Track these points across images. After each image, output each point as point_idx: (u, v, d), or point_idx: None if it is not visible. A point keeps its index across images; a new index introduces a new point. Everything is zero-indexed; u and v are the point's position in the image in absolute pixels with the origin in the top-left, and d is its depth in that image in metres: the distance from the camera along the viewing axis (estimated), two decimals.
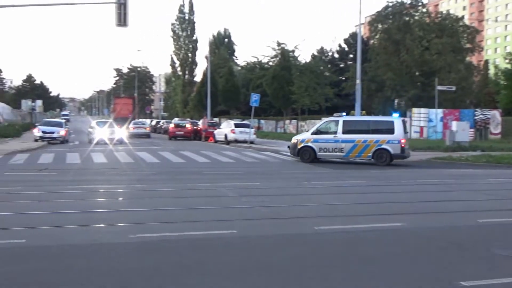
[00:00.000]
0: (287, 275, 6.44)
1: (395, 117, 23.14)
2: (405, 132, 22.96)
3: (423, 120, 43.64)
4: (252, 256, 7.29)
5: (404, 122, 23.37)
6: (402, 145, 22.37)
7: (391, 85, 53.67)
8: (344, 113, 25.80)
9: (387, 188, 14.91)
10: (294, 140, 24.39)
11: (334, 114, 24.95)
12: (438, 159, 24.57)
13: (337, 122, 23.15)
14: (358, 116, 28.98)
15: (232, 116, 66.96)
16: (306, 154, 23.37)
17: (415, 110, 44.75)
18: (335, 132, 22.96)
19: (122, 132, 37.95)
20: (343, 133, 22.82)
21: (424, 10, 57.55)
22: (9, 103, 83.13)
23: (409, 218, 9.96)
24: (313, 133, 23.64)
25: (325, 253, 7.48)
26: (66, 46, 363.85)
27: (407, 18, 54.85)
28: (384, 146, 22.42)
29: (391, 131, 22.51)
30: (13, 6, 26.35)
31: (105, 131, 36.65)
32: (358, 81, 29.63)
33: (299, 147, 23.58)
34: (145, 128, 50.13)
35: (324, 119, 25.47)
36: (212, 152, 28.28)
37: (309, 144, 23.34)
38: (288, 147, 25.27)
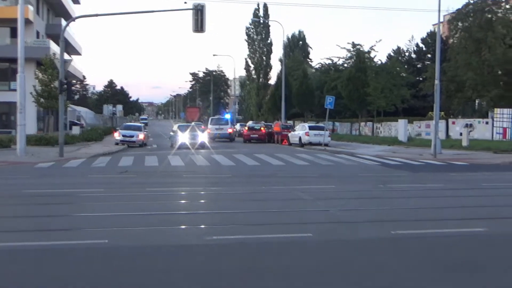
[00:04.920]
0: (365, 279, 6.36)
1: None
2: None
3: (506, 120, 41.90)
4: (329, 260, 7.23)
5: None
6: None
7: (472, 85, 51.80)
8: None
9: (467, 192, 14.40)
10: None
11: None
12: None
13: None
14: None
15: (306, 119, 66.86)
16: None
17: (497, 110, 43.03)
18: None
19: (204, 136, 37.89)
20: None
21: (508, 6, 55.24)
22: (91, 108, 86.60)
23: (492, 223, 9.61)
24: None
25: (404, 258, 7.31)
26: (145, 52, 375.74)
27: (489, 16, 52.82)
28: None
29: None
30: (97, 15, 27.46)
31: (187, 135, 36.69)
32: (437, 82, 28.78)
33: None
34: (228, 130, 49.43)
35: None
36: (286, 154, 28.34)
37: None
38: None
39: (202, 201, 12.63)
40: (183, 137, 36.21)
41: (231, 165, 22.45)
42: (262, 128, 47.31)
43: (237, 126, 59.16)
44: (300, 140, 38.78)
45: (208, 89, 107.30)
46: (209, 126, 51.22)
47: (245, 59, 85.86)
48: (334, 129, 63.49)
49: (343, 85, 56.57)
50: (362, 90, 53.19)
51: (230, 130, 50.22)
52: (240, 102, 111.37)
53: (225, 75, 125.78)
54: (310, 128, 39.36)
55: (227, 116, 54.07)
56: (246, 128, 48.69)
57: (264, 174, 18.89)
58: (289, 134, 41.92)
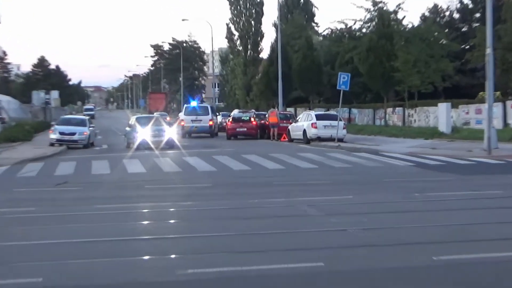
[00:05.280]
0: None
1: None
2: None
3: None
4: None
5: None
6: None
7: None
8: None
9: None
10: None
11: None
12: None
13: None
14: None
15: (313, 105, 66.91)
16: None
17: None
18: None
19: (173, 131, 38.05)
20: None
21: None
22: (16, 96, 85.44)
23: None
24: None
25: None
26: (89, 20, 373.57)
27: None
28: None
29: None
30: None
31: (150, 131, 36.52)
32: (489, 51, 28.77)
33: None
34: (209, 123, 50.67)
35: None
36: (286, 155, 28.38)
37: None
38: None
39: (172, 221, 12.60)
40: (143, 134, 36.10)
41: (211, 171, 22.50)
42: (252, 119, 47.34)
43: (218, 118, 59.23)
44: (304, 134, 38.89)
45: (177, 67, 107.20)
46: (183, 117, 51.57)
47: (227, 24, 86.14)
48: (351, 118, 63.66)
49: (362, 57, 56.67)
50: (388, 64, 53.30)
51: (210, 123, 50.82)
52: (221, 83, 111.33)
53: (199, 48, 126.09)
54: (318, 117, 39.44)
55: (193, 103, 54.23)
56: (230, 119, 48.69)
57: (256, 182, 18.93)
58: (290, 127, 42.00)
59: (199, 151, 32.62)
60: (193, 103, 54.46)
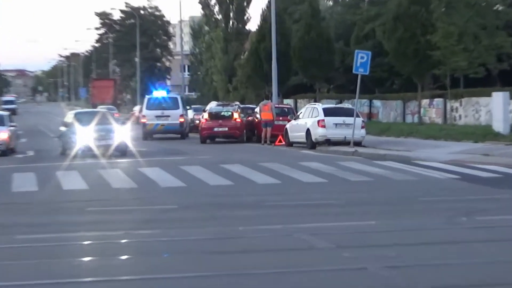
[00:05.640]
0: None
1: None
2: None
3: None
4: None
5: None
6: None
7: None
8: None
9: None
10: None
11: None
12: None
13: None
14: None
15: (320, 96, 66.93)
16: None
17: None
18: None
19: (125, 132, 37.50)
20: None
21: None
22: None
23: None
24: None
25: None
26: None
27: None
28: None
29: None
30: None
31: (94, 132, 36.12)
32: None
33: None
34: (180, 119, 51.39)
35: None
36: (283, 164, 28.38)
37: None
38: None
39: (124, 257, 12.60)
40: (85, 136, 35.82)
41: (179, 187, 22.56)
42: (235, 116, 47.22)
43: (189, 113, 59.11)
44: (308, 135, 38.76)
45: (132, 43, 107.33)
46: (144, 111, 51.85)
47: None
48: (373, 114, 63.83)
49: (387, 29, 56.78)
50: (423, 39, 53.41)
51: (181, 119, 51.36)
52: (193, 66, 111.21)
53: (162, 17, 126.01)
54: (327, 112, 39.32)
55: (159, 93, 54.16)
56: (206, 115, 48.57)
57: (240, 203, 18.97)
58: (288, 126, 41.88)
59: (162, 159, 32.68)
60: (159, 93, 54.36)
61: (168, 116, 50.67)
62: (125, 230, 14.97)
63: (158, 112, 50.72)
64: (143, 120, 50.30)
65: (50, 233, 14.76)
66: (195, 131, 52.33)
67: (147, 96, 55.68)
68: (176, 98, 53.93)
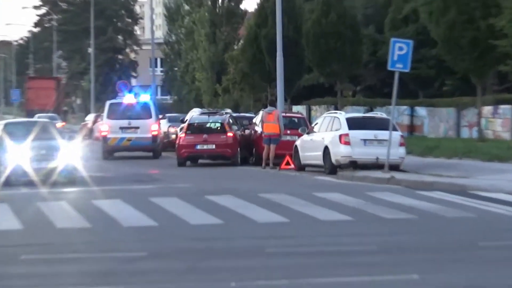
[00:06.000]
0: None
1: None
2: None
3: None
4: None
5: None
6: None
7: None
8: None
9: None
10: None
11: None
12: None
13: None
14: None
15: (342, 101, 66.96)
16: None
17: None
18: None
19: (74, 149, 37.26)
20: None
21: None
22: None
23: None
24: None
25: None
26: None
27: None
28: None
29: None
30: None
31: (30, 149, 35.96)
32: None
33: None
34: (152, 132, 51.49)
35: None
36: (292, 195, 28.49)
37: None
38: None
39: None
40: (18, 156, 35.84)
41: (148, 227, 22.58)
42: (226, 128, 47.28)
43: (162, 125, 59.08)
44: (326, 156, 38.88)
45: (84, 28, 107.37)
46: (106, 121, 52.24)
47: None
48: (415, 126, 63.98)
49: (435, 10, 56.93)
50: (484, 24, 53.59)
51: (154, 132, 51.80)
52: (167, 59, 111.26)
53: None
54: (353, 124, 39.39)
55: (127, 99, 54.20)
56: (185, 128, 48.59)
57: (233, 248, 18.98)
58: (299, 143, 42.14)
59: (126, 188, 32.75)
60: (128, 99, 54.37)
61: (137, 127, 50.84)
62: (73, 287, 15.03)
63: (124, 123, 50.96)
64: (103, 133, 50.24)
65: None
66: (170, 149, 52.36)
67: (108, 102, 55.69)
68: (147, 105, 53.69)
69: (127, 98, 53.73)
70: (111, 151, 49.82)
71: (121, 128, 49.97)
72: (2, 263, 17.57)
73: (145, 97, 54.62)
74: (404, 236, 20.51)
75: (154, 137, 50.37)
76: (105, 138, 49.63)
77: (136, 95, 57.28)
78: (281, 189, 30.72)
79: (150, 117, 50.95)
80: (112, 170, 41.51)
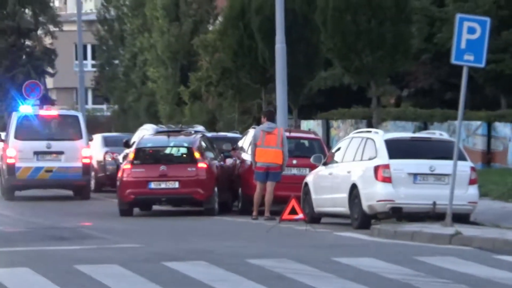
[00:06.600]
0: None
1: None
2: None
3: None
4: None
5: None
6: None
7: None
8: None
9: None
10: None
11: None
12: None
13: None
14: None
15: (379, 113, 67.41)
16: None
17: None
18: None
19: None
20: None
21: None
22: None
23: None
24: None
25: None
26: None
27: None
28: None
29: None
30: None
31: None
32: None
33: None
34: (83, 160, 52.66)
35: None
36: (300, 262, 28.56)
37: None
38: None
39: None
40: None
41: None
42: (195, 157, 47.47)
43: (95, 150, 59.40)
44: (354, 199, 39.04)
45: None
46: (12, 142, 53.07)
47: None
48: (494, 153, 64.37)
49: None
50: None
51: (85, 159, 53.02)
52: (102, 47, 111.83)
53: None
54: (396, 149, 39.55)
55: (27, 108, 54.55)
56: (131, 155, 48.79)
57: None
58: (311, 179, 42.21)
59: (37, 249, 32.71)
60: (25, 109, 54.66)
61: (60, 152, 51.22)
62: None
63: (41, 145, 51.27)
64: (9, 161, 50.34)
65: None
66: (109, 189, 52.72)
67: (16, 114, 55.89)
68: (75, 118, 53.85)
69: (25, 108, 53.77)
70: (18, 188, 49.70)
71: (36, 153, 49.78)
72: None
73: (26, 108, 54.63)
74: None
75: (86, 167, 50.39)
76: (10, 168, 49.47)
77: (40, 104, 57.38)
78: (282, 251, 30.86)
79: (80, 137, 50.95)
80: (17, 220, 41.65)
